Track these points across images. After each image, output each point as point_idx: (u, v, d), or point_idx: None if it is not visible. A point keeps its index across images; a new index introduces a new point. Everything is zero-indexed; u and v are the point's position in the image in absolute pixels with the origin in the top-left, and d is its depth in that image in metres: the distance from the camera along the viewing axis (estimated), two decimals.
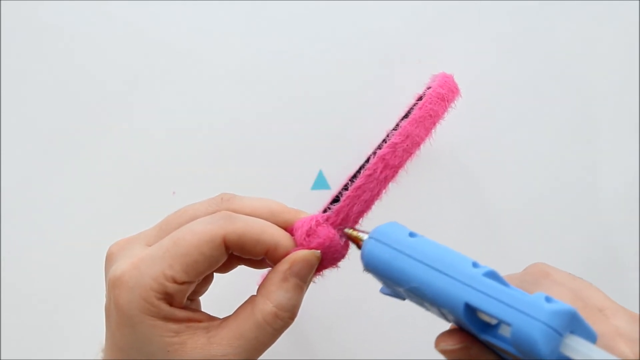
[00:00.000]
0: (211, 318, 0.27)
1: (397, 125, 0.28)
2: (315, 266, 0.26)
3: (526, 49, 0.45)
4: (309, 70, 0.44)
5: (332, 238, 0.27)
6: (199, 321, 0.25)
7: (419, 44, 0.45)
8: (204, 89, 0.44)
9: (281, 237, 0.26)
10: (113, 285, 0.24)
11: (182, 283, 0.24)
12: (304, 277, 0.26)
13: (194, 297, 0.29)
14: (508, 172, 0.44)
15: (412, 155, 0.27)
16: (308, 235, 0.26)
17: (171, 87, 0.44)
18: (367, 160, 0.28)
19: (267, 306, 0.25)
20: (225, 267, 0.29)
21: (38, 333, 0.42)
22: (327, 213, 0.27)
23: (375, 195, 0.27)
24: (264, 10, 0.45)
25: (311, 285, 0.28)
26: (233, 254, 0.26)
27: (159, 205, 0.43)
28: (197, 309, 0.29)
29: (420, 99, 0.29)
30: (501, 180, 0.44)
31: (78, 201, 0.43)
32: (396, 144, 0.27)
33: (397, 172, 0.27)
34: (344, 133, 0.44)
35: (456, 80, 0.33)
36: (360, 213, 0.28)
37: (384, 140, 0.28)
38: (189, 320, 0.25)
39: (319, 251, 0.26)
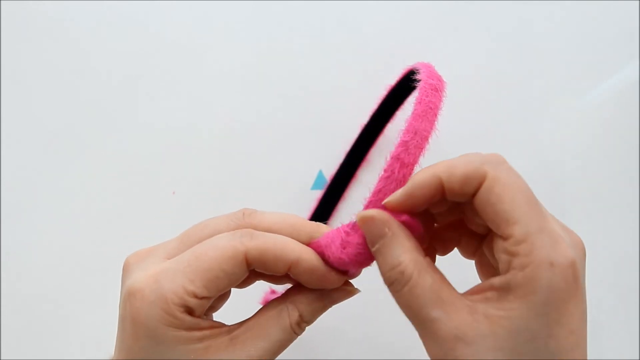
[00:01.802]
0: (227, 325, 0.27)
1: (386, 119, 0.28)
2: (348, 297, 0.27)
3: (526, 48, 0.45)
4: (309, 70, 0.44)
5: (365, 245, 0.26)
6: (221, 326, 0.26)
7: (419, 44, 0.45)
8: (203, 89, 0.44)
9: (302, 252, 0.26)
10: (131, 298, 0.24)
11: (202, 298, 0.24)
12: (334, 303, 0.27)
13: (209, 312, 0.29)
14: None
15: (423, 150, 0.27)
16: (344, 248, 0.26)
17: (171, 87, 0.44)
18: (353, 161, 0.27)
19: (295, 314, 0.26)
20: (244, 283, 0.29)
21: (38, 333, 0.42)
22: (350, 222, 0.27)
23: None
24: (265, 11, 0.45)
25: None
26: (255, 270, 0.26)
27: (159, 205, 0.43)
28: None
29: (396, 90, 0.28)
30: None
31: (78, 201, 0.43)
32: (407, 141, 0.26)
33: (412, 169, 0.27)
34: (343, 133, 0.44)
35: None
36: None
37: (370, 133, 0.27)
38: (212, 327, 0.25)
39: (357, 289, 0.27)
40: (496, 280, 0.22)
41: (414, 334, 0.24)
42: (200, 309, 0.25)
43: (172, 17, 0.45)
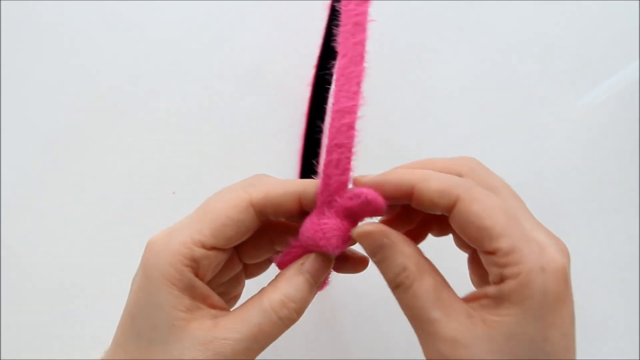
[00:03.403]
0: (224, 308, 0.26)
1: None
2: (329, 267, 0.26)
3: (527, 49, 0.45)
4: (309, 70, 0.44)
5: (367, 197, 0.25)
6: (212, 306, 0.25)
7: (419, 44, 0.45)
8: (204, 89, 0.44)
9: (306, 183, 0.26)
10: (145, 250, 0.25)
11: (210, 249, 0.25)
12: (315, 275, 0.25)
13: (224, 298, 0.29)
14: (508, 170, 0.44)
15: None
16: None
17: (171, 87, 0.44)
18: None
19: (275, 294, 0.25)
20: (258, 267, 0.29)
21: (39, 333, 0.42)
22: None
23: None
24: (266, 11, 0.45)
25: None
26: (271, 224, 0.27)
27: (159, 205, 0.43)
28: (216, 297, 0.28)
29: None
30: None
31: (78, 201, 0.43)
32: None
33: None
34: None
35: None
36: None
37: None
38: (205, 298, 0.25)
39: (332, 254, 0.26)
40: (491, 289, 0.23)
41: (413, 336, 0.24)
42: (206, 262, 0.25)
43: (172, 17, 0.45)
